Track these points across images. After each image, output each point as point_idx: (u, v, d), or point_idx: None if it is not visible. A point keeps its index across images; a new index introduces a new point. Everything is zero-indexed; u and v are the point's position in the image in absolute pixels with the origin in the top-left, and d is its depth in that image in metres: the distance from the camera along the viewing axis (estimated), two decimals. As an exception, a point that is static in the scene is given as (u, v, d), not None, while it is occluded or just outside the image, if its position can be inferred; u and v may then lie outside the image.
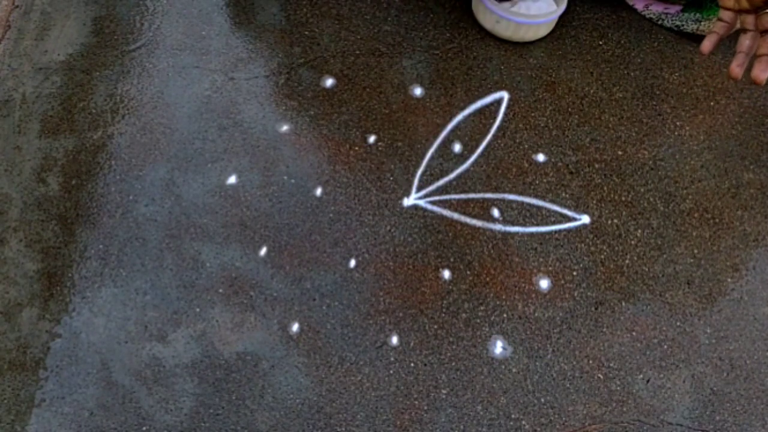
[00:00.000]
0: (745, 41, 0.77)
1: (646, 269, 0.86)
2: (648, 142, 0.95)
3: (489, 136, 0.93)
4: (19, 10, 0.97)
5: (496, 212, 0.88)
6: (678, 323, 0.83)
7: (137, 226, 0.83)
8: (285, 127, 0.91)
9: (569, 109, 0.96)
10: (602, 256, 0.86)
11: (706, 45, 0.81)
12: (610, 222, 0.88)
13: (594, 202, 0.90)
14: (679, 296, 0.85)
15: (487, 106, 0.95)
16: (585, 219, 0.88)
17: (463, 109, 0.95)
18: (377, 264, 0.83)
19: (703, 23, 1.01)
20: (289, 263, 0.83)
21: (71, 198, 0.84)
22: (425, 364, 0.78)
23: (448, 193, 0.89)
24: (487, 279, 0.84)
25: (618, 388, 0.79)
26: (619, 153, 0.93)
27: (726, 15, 0.82)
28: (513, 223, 0.87)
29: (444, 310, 0.81)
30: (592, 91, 0.98)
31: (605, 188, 0.91)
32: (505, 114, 0.95)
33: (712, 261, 0.87)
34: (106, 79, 0.93)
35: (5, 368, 0.75)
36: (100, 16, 0.98)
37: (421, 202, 0.88)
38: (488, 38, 1.00)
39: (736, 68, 0.77)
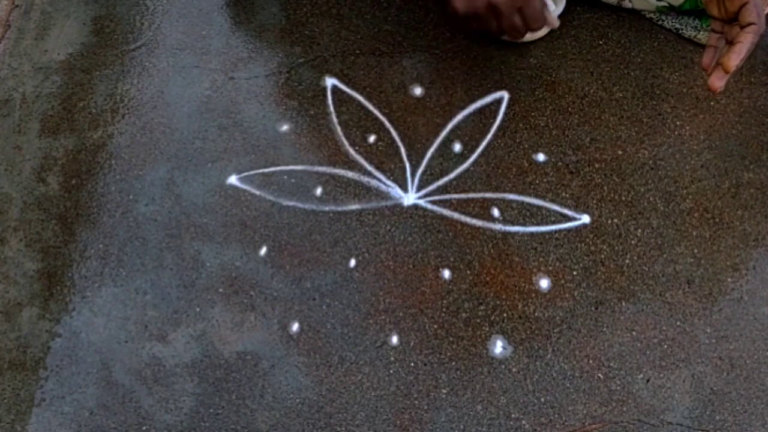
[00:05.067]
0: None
1: (646, 269, 0.86)
2: (648, 141, 0.95)
3: (489, 136, 0.93)
4: (19, 10, 0.97)
5: (496, 212, 0.88)
6: (678, 323, 0.83)
7: (137, 225, 0.83)
8: (285, 127, 0.91)
9: (569, 109, 0.96)
10: (602, 256, 0.86)
11: (705, 60, 0.83)
12: (610, 222, 0.88)
13: (594, 201, 0.90)
14: (679, 296, 0.85)
15: (487, 105, 0.95)
16: (585, 219, 0.88)
17: (463, 108, 0.95)
18: (377, 264, 0.83)
19: (701, 33, 1.01)
20: (289, 263, 0.83)
21: (71, 198, 0.84)
22: (425, 364, 0.78)
23: (448, 192, 0.89)
24: (487, 279, 0.84)
25: (618, 387, 0.79)
26: (619, 153, 0.93)
27: (716, 25, 0.83)
28: (513, 223, 0.87)
29: (444, 309, 0.81)
30: (592, 91, 0.98)
31: (605, 188, 0.91)
32: (505, 114, 0.95)
33: (712, 261, 0.87)
34: (106, 79, 0.93)
35: (5, 368, 0.75)
36: (100, 16, 0.98)
37: (421, 202, 0.88)
38: (488, 38, 1.00)
39: (705, 60, 0.81)
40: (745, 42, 0.76)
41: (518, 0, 0.79)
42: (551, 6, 1.00)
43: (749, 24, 0.76)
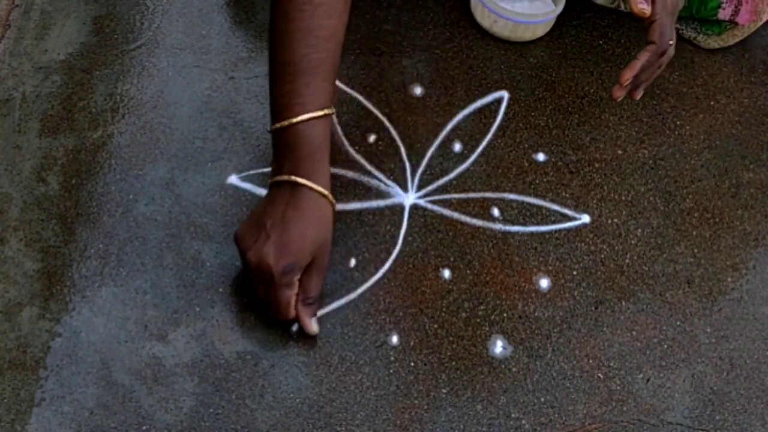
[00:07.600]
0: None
1: (646, 268, 0.86)
2: (648, 141, 0.95)
3: (489, 136, 0.93)
4: (19, 9, 0.97)
5: (496, 212, 0.88)
6: (678, 323, 0.83)
7: (137, 225, 0.83)
8: (285, 127, 0.91)
9: (569, 109, 0.96)
10: (602, 256, 0.86)
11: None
12: (610, 221, 0.88)
13: (594, 201, 0.90)
14: (679, 295, 0.85)
15: (488, 105, 0.95)
16: (585, 218, 0.88)
17: (463, 108, 0.95)
18: (377, 263, 0.83)
19: (701, 35, 1.01)
20: (289, 263, 0.82)
21: (71, 197, 0.84)
22: (425, 364, 0.78)
23: (448, 192, 0.89)
24: (487, 278, 0.84)
25: (618, 387, 0.79)
26: (619, 152, 0.93)
27: None
28: (513, 223, 0.87)
29: (444, 309, 0.81)
30: (592, 91, 0.98)
31: (605, 187, 0.91)
32: (505, 113, 0.95)
33: (712, 260, 0.87)
34: (106, 79, 0.93)
35: (5, 367, 0.75)
36: (100, 15, 0.98)
37: (422, 202, 0.88)
38: (488, 37, 1.00)
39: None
40: (640, 59, 0.79)
41: (269, 278, 0.73)
42: (550, 6, 1.00)
43: (649, 42, 0.78)
